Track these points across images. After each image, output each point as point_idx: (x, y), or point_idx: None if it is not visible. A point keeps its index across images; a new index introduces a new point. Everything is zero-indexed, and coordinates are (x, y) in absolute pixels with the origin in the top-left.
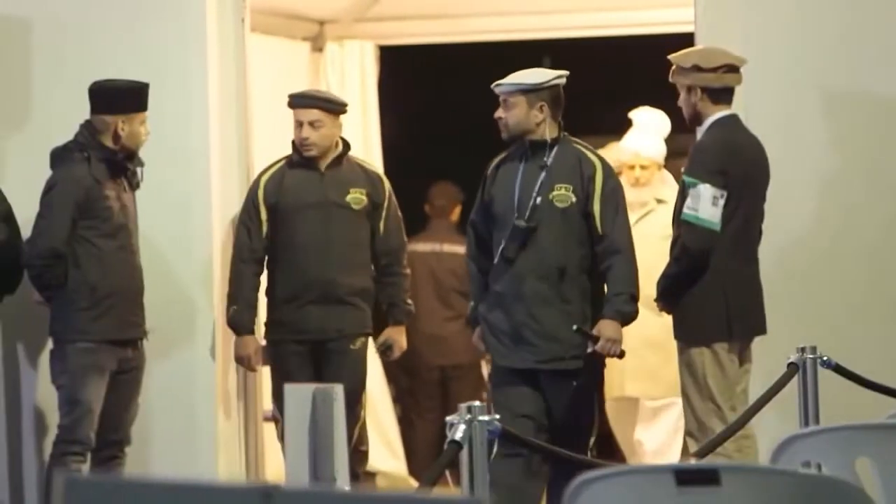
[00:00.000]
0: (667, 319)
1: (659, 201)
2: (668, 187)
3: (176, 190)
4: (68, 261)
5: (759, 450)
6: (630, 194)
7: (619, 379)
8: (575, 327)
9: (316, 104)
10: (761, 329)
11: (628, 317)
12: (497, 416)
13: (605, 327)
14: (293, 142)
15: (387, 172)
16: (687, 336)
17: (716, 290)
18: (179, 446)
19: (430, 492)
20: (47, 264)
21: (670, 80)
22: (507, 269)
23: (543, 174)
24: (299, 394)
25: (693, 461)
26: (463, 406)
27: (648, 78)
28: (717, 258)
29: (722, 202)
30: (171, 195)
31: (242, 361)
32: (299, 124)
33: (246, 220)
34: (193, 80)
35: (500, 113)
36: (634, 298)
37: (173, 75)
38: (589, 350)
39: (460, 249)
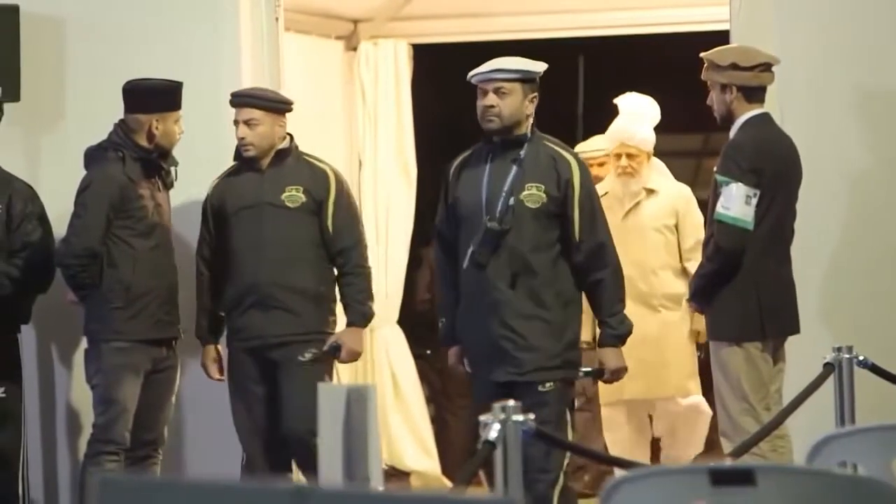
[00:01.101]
0: (664, 317)
1: (649, 192)
2: (660, 176)
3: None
4: (103, 260)
5: (794, 450)
6: (617, 185)
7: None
8: (582, 373)
9: (251, 103)
10: (795, 328)
11: (625, 337)
12: (532, 416)
13: (608, 357)
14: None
15: (420, 170)
16: (720, 335)
17: (748, 290)
18: (213, 446)
19: (464, 492)
20: (82, 264)
21: (703, 77)
22: (479, 275)
23: (514, 173)
24: (333, 393)
25: (728, 461)
26: (496, 406)
27: (681, 76)
28: (749, 257)
29: (755, 201)
30: (205, 195)
31: (204, 370)
32: (236, 124)
33: (201, 227)
34: (227, 79)
35: (492, 101)
36: (624, 307)
37: (207, 74)
38: (595, 382)
39: None
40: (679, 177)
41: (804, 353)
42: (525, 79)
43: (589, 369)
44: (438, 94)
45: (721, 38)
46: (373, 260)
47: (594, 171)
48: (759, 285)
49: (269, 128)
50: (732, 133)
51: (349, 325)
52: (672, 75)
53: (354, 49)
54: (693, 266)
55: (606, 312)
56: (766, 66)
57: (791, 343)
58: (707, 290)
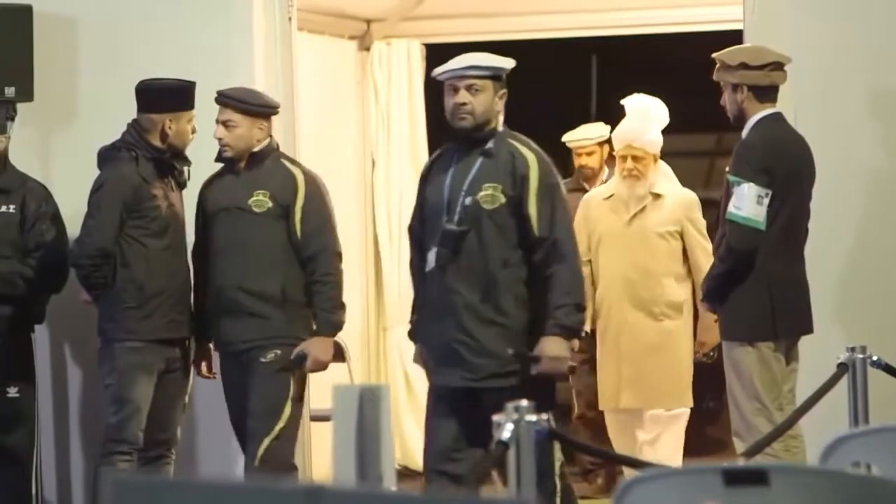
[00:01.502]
0: (666, 325)
1: (655, 196)
2: (666, 180)
3: None
4: (116, 260)
5: (807, 450)
6: (623, 187)
7: (614, 389)
8: (511, 351)
9: (229, 104)
10: (808, 328)
11: (573, 330)
12: (546, 416)
13: (547, 345)
14: None
15: None
16: (732, 335)
17: (761, 289)
18: (227, 446)
19: (478, 492)
20: (96, 264)
21: (715, 77)
22: (439, 277)
23: (476, 171)
24: (346, 393)
25: (741, 461)
26: (510, 406)
27: (694, 76)
28: (762, 257)
29: (766, 201)
30: None
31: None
32: (216, 123)
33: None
34: (240, 78)
35: (464, 98)
36: (580, 308)
37: (220, 74)
38: (533, 372)
39: None
40: (692, 177)
41: (818, 353)
42: (496, 75)
43: (521, 350)
44: None
45: (735, 37)
46: (385, 259)
47: (582, 160)
48: (771, 285)
49: (246, 130)
50: (744, 133)
51: (316, 333)
52: (685, 75)
53: (367, 49)
54: (700, 276)
55: (555, 303)
56: (778, 66)
57: (804, 343)
58: (720, 291)
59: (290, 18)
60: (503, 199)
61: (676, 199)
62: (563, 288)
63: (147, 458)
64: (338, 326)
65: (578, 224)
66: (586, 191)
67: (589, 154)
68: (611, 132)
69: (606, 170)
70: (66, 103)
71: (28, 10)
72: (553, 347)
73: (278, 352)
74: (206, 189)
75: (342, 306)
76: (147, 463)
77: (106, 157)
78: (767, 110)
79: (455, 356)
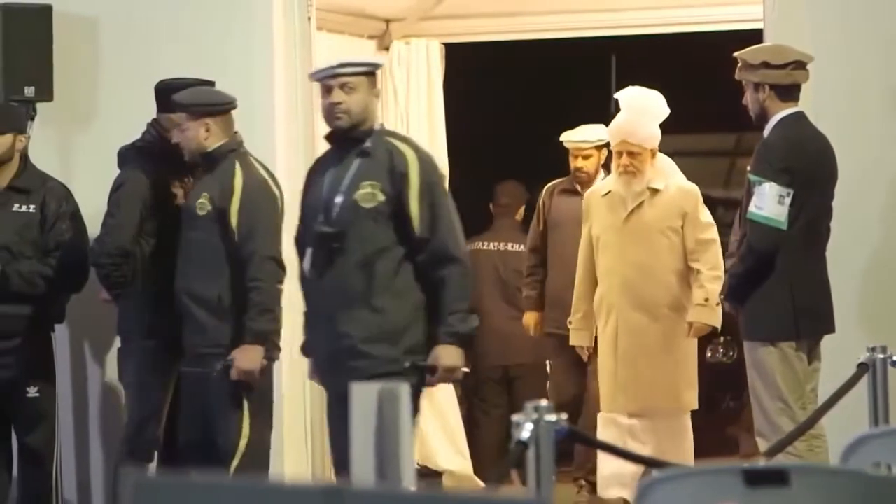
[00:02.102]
0: (665, 328)
1: (653, 191)
2: (664, 175)
3: None
4: (136, 259)
5: (829, 449)
6: (619, 184)
7: (611, 392)
8: (407, 364)
9: (175, 107)
10: (830, 328)
11: (467, 337)
12: (564, 416)
13: (442, 355)
14: None
15: (452, 170)
16: (755, 335)
17: (783, 289)
18: None
19: (497, 491)
20: (115, 263)
21: (736, 76)
22: (316, 282)
23: (355, 170)
24: (365, 392)
25: (762, 461)
26: (529, 405)
27: (715, 75)
28: (783, 256)
29: (788, 200)
30: None
31: None
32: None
33: None
34: (259, 77)
35: (339, 97)
36: (473, 311)
37: (240, 74)
38: (428, 385)
39: (525, 249)
40: (712, 176)
41: (841, 353)
42: (370, 73)
43: (417, 361)
44: (471, 92)
45: (756, 36)
46: None
47: (578, 162)
48: (793, 285)
49: (192, 132)
50: (766, 132)
51: (241, 341)
52: (705, 74)
53: (387, 49)
54: (696, 265)
55: (447, 310)
56: (800, 65)
57: (826, 342)
58: (741, 290)
59: (309, 18)
60: (382, 198)
61: (675, 192)
62: (455, 293)
63: (165, 456)
64: (260, 334)
65: (582, 222)
66: (579, 193)
67: (586, 157)
68: None
69: (602, 173)
70: (87, 103)
71: (48, 10)
72: (448, 357)
73: (223, 363)
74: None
75: (268, 313)
76: (166, 461)
77: (126, 156)
78: (790, 109)
79: (338, 362)
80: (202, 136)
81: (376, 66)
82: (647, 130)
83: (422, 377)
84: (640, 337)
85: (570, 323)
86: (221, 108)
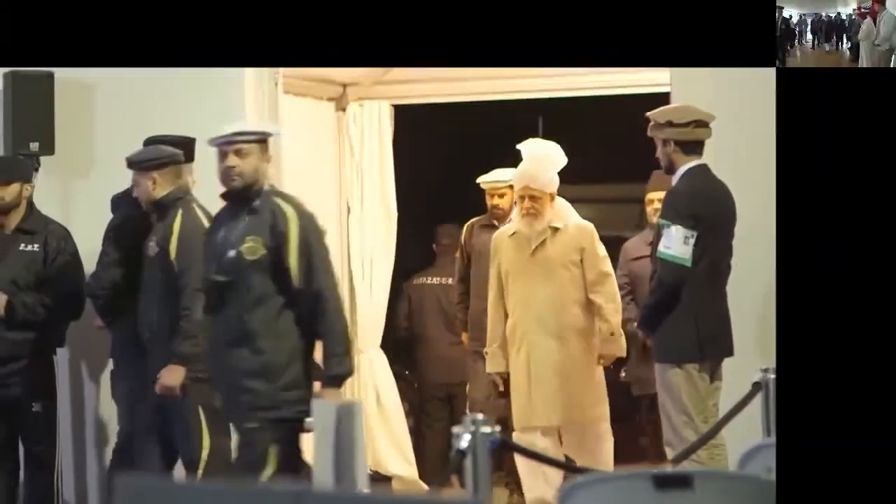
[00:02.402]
0: (571, 348)
1: (554, 230)
2: (563, 216)
3: None
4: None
5: (728, 457)
6: (523, 225)
7: (524, 409)
8: (297, 409)
9: (128, 164)
10: (729, 352)
11: (345, 378)
12: (498, 428)
13: (329, 398)
14: None
15: (400, 215)
16: (664, 358)
17: (688, 319)
18: None
19: (440, 494)
20: (109, 295)
21: (648, 134)
22: (209, 329)
23: (244, 226)
24: (325, 409)
25: (670, 467)
26: (467, 418)
27: (630, 132)
28: (689, 290)
29: (692, 241)
30: None
31: None
32: None
33: None
34: None
35: (233, 161)
36: (348, 352)
37: (216, 131)
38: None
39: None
40: (626, 220)
41: (738, 373)
42: (261, 140)
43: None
44: (416, 147)
45: (665, 98)
46: (358, 293)
47: (494, 200)
48: (697, 316)
49: (142, 185)
50: (673, 182)
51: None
52: (621, 131)
53: (343, 109)
54: (598, 298)
55: (327, 352)
56: (701, 123)
57: (726, 364)
58: (652, 319)
59: (276, 83)
60: (264, 251)
61: (573, 230)
62: (333, 338)
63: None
64: (184, 356)
65: (490, 260)
66: (497, 227)
67: (500, 196)
68: None
69: (515, 209)
70: (84, 157)
71: (50, 76)
72: (332, 396)
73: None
74: None
75: (187, 339)
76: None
77: (118, 203)
78: (694, 162)
79: (233, 406)
80: (150, 187)
81: (268, 134)
82: (546, 177)
83: (292, 409)
84: (550, 359)
85: (486, 353)
86: (164, 161)
